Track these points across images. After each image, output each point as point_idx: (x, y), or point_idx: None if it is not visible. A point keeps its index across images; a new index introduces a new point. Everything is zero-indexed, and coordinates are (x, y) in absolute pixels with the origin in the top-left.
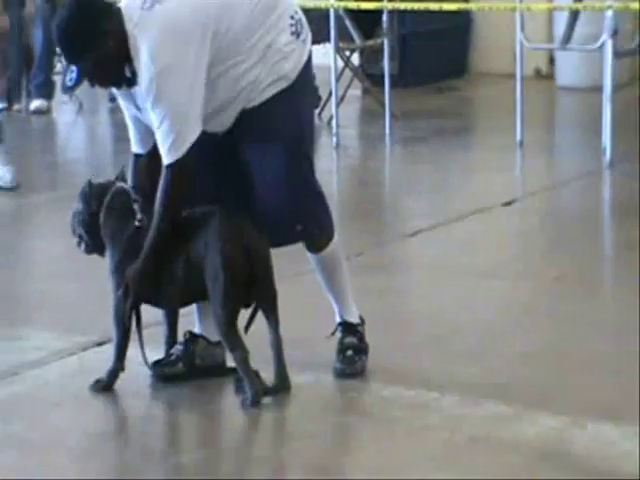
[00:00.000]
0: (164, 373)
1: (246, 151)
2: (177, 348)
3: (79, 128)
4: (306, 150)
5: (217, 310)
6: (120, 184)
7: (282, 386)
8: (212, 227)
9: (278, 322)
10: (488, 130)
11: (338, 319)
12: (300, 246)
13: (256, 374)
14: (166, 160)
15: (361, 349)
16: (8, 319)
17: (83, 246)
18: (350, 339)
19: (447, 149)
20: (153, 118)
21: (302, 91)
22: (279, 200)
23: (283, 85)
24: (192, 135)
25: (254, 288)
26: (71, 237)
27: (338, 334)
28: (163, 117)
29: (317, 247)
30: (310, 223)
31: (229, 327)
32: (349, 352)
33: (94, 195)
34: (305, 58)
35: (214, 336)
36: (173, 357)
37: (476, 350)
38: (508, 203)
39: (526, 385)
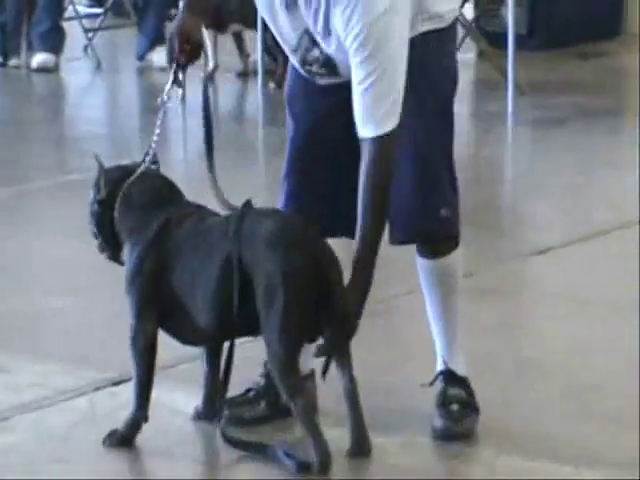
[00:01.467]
0: (241, 417)
1: None
2: (256, 382)
3: (96, 92)
4: (452, 116)
5: (273, 343)
6: (147, 166)
7: (359, 449)
8: (265, 229)
9: (351, 362)
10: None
11: (440, 365)
12: (389, 258)
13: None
14: (378, 130)
15: (470, 404)
16: None
17: (104, 252)
18: (456, 390)
19: (590, 136)
20: (360, 75)
21: (454, 42)
22: (425, 170)
23: (439, 25)
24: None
25: (325, 314)
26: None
27: (439, 384)
28: (381, 73)
29: (439, 250)
30: (451, 209)
31: (289, 367)
32: (454, 406)
33: (108, 180)
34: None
35: (307, 365)
36: (252, 394)
37: (624, 411)
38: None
39: None
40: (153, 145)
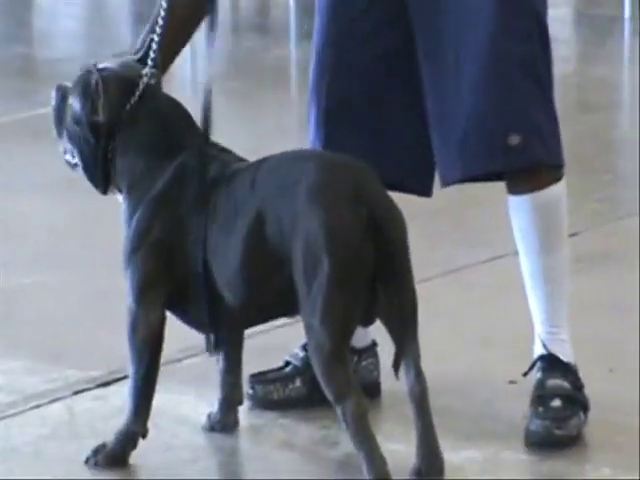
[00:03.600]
0: (271, 397)
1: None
2: (295, 354)
3: None
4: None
5: (314, 328)
6: (152, 73)
7: (429, 468)
8: (306, 176)
9: (419, 354)
10: None
11: (540, 349)
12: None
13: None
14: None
15: (577, 400)
16: None
17: (71, 159)
18: (558, 381)
19: None
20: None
21: None
22: (493, 80)
23: None
24: None
25: (383, 291)
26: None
27: (536, 374)
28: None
29: (533, 182)
30: (531, 135)
31: (335, 359)
32: (556, 402)
33: (109, 100)
34: None
35: (360, 339)
36: (288, 369)
37: None
38: None
39: None
40: (155, 38)
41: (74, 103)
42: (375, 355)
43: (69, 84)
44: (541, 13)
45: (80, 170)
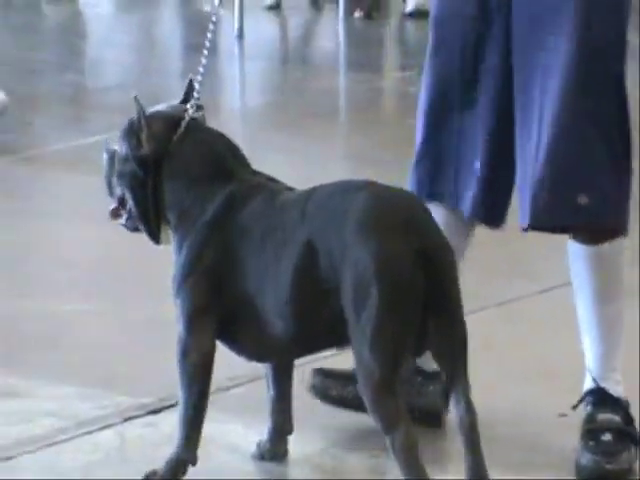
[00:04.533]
0: (330, 393)
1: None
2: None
3: (123, 27)
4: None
5: (364, 358)
6: (194, 111)
7: None
8: (356, 206)
9: (469, 385)
10: None
11: (588, 384)
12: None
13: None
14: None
15: (628, 434)
16: None
17: (122, 219)
18: (608, 415)
19: None
20: None
21: None
22: (560, 145)
23: None
24: None
25: (433, 322)
26: (105, 218)
27: (586, 407)
28: None
29: (594, 237)
30: (599, 197)
31: (385, 389)
32: (606, 436)
33: (153, 132)
34: None
35: (432, 364)
36: (353, 371)
37: None
38: None
39: None
40: (198, 81)
41: (121, 146)
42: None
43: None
44: (620, 74)
45: (133, 222)
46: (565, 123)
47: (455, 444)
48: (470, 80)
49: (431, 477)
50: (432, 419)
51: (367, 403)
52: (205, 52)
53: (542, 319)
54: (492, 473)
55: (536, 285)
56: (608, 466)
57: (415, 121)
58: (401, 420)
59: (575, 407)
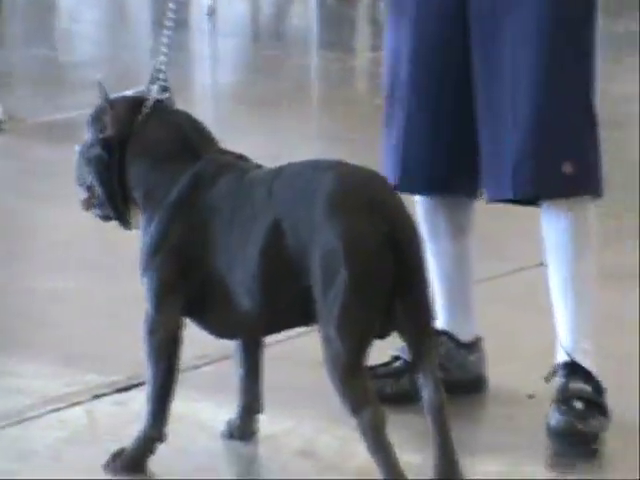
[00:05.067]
0: (383, 391)
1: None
2: (403, 350)
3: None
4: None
5: (331, 338)
6: (156, 95)
7: (447, 479)
8: (324, 186)
9: (437, 365)
10: None
11: (561, 356)
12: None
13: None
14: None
15: (598, 404)
16: None
17: (95, 208)
18: (580, 385)
19: None
20: None
21: None
22: (547, 107)
23: None
24: None
25: (400, 304)
26: (76, 195)
27: (558, 379)
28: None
29: (572, 202)
30: (582, 164)
31: (352, 370)
32: (578, 403)
33: (116, 115)
34: None
35: (466, 333)
36: (397, 364)
37: None
38: None
39: None
40: (162, 61)
41: (88, 133)
42: (481, 350)
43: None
44: (591, 42)
45: (103, 209)
46: (545, 92)
47: (418, 424)
48: (422, 55)
49: (401, 458)
50: (476, 387)
51: (334, 384)
52: (167, 31)
53: (515, 300)
54: (460, 454)
55: (508, 265)
56: (580, 426)
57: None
58: (368, 401)
59: (547, 380)
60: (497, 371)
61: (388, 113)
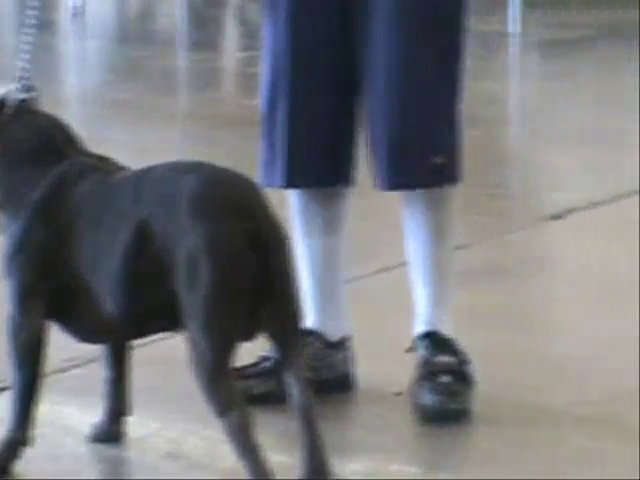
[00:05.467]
0: (251, 392)
1: (372, 28)
2: (272, 351)
3: None
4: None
5: (196, 339)
6: (23, 92)
7: (315, 478)
8: (187, 188)
9: (303, 366)
10: None
11: (422, 326)
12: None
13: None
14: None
15: (464, 377)
16: None
17: None
18: (445, 358)
19: (621, 63)
20: None
21: None
22: (418, 104)
23: None
24: None
25: (265, 305)
26: None
27: (422, 351)
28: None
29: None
30: (451, 155)
31: (219, 371)
32: (444, 377)
33: None
34: None
35: (335, 332)
36: (265, 365)
37: None
38: None
39: None
40: (25, 59)
41: None
42: (349, 348)
43: None
44: (459, 37)
45: None
46: (415, 90)
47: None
48: (302, 51)
49: (270, 458)
50: (343, 386)
51: (200, 386)
52: (29, 29)
53: (379, 299)
54: (329, 453)
55: (374, 265)
56: (451, 405)
57: (253, 101)
58: (235, 403)
59: (408, 351)
60: (365, 370)
61: (269, 110)
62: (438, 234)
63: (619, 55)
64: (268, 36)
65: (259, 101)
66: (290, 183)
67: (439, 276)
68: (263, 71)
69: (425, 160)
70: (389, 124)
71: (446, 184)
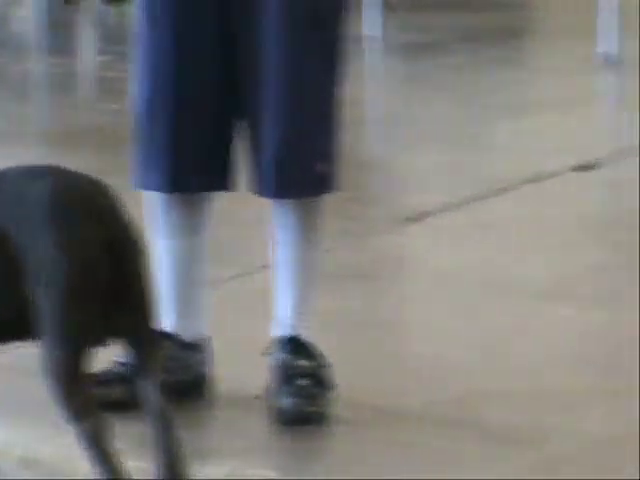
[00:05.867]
0: (106, 398)
1: (259, 34)
2: (127, 356)
3: None
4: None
5: (50, 347)
6: None
7: None
8: (37, 193)
9: (159, 373)
10: (551, 33)
11: (283, 330)
12: None
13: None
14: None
15: (323, 380)
16: None
17: None
18: (304, 362)
19: (479, 66)
20: None
21: None
22: (299, 111)
23: None
24: None
25: (118, 310)
26: None
27: (281, 354)
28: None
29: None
30: (330, 162)
31: (71, 378)
32: (303, 381)
33: None
34: None
35: (192, 334)
36: (120, 370)
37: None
38: (584, 167)
39: None
40: None
41: None
42: (206, 350)
43: None
44: (336, 37)
45: None
46: (296, 94)
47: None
48: (188, 50)
49: (127, 464)
50: (200, 388)
51: (52, 393)
52: None
53: (239, 302)
54: (186, 458)
55: (233, 269)
56: (309, 408)
57: (111, 105)
58: (88, 410)
59: (265, 353)
60: (223, 373)
61: (148, 112)
62: (308, 239)
63: (476, 58)
64: (146, 36)
65: (119, 105)
66: (175, 187)
67: (306, 281)
68: (139, 72)
69: (311, 168)
70: (275, 131)
71: (328, 191)
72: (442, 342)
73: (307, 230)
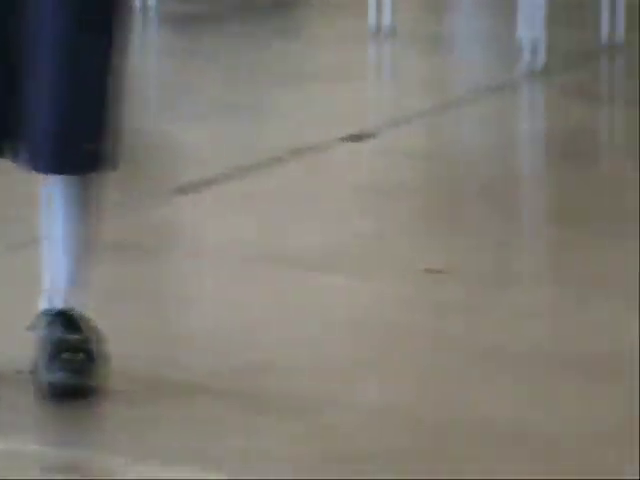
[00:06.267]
0: None
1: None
2: None
3: None
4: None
5: None
6: None
7: None
8: None
9: None
10: (327, 5)
11: (55, 303)
12: None
13: None
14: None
15: (95, 354)
16: None
17: None
18: (75, 336)
19: (255, 37)
20: None
21: None
22: (61, 90)
23: None
24: None
25: None
26: None
27: (50, 329)
28: None
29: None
30: (106, 141)
31: None
32: (72, 355)
33: None
34: None
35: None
36: None
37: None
38: (355, 137)
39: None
40: None
41: None
42: None
43: None
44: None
45: None
46: (65, 65)
47: None
48: None
49: None
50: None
51: None
52: None
53: (3, 276)
54: None
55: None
56: (80, 381)
57: None
58: None
59: (30, 328)
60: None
61: None
62: (85, 213)
63: (252, 30)
64: None
65: None
66: None
67: (80, 255)
68: None
69: (85, 145)
70: (49, 106)
71: (104, 168)
72: (221, 314)
73: (80, 204)
